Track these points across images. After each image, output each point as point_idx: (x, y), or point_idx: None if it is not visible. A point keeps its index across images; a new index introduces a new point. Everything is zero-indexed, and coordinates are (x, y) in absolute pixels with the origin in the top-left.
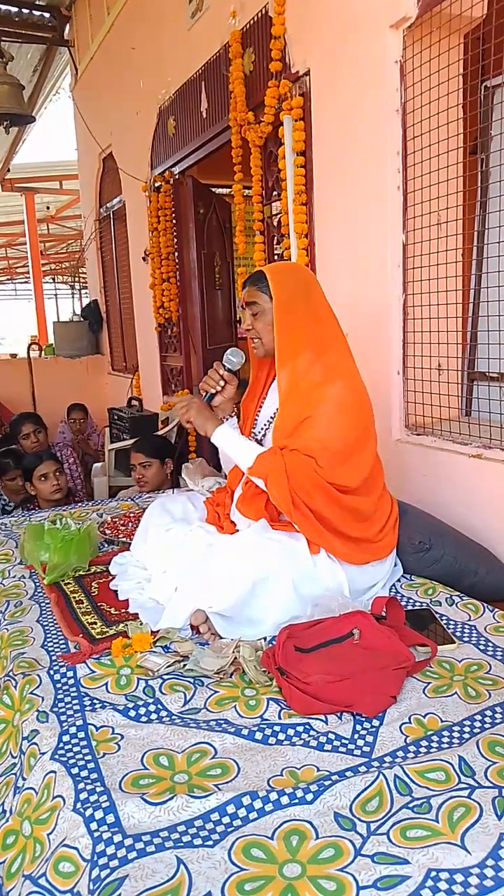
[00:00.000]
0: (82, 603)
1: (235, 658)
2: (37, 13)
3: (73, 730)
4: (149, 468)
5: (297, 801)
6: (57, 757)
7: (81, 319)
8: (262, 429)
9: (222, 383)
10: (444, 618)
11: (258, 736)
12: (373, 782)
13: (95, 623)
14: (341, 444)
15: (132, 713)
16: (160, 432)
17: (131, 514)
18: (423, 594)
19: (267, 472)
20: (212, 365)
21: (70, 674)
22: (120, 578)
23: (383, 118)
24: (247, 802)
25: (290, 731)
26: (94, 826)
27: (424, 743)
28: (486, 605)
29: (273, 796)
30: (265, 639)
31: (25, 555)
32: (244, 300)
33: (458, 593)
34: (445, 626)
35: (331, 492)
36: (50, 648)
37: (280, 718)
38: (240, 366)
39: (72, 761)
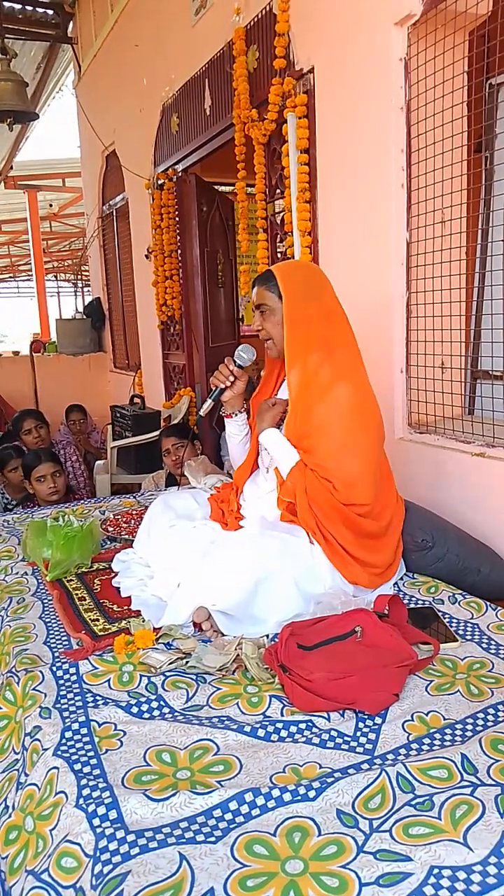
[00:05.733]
0: (85, 600)
1: (238, 655)
2: (40, 10)
3: (75, 726)
4: (182, 449)
5: (299, 797)
6: (59, 753)
7: (84, 317)
8: None
9: (232, 378)
10: (446, 616)
11: (260, 733)
12: (375, 779)
13: (98, 620)
14: (360, 461)
15: (135, 710)
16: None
17: (134, 512)
18: (426, 592)
19: (294, 492)
20: (214, 363)
21: (72, 670)
22: (122, 575)
23: (387, 116)
24: (249, 799)
25: (293, 728)
26: (96, 822)
27: (427, 740)
28: (488, 603)
29: (275, 793)
30: (268, 636)
31: (28, 551)
32: (254, 302)
33: (460, 591)
34: (448, 625)
35: (348, 516)
36: (52, 645)
37: (282, 715)
38: (250, 362)
39: (74, 757)
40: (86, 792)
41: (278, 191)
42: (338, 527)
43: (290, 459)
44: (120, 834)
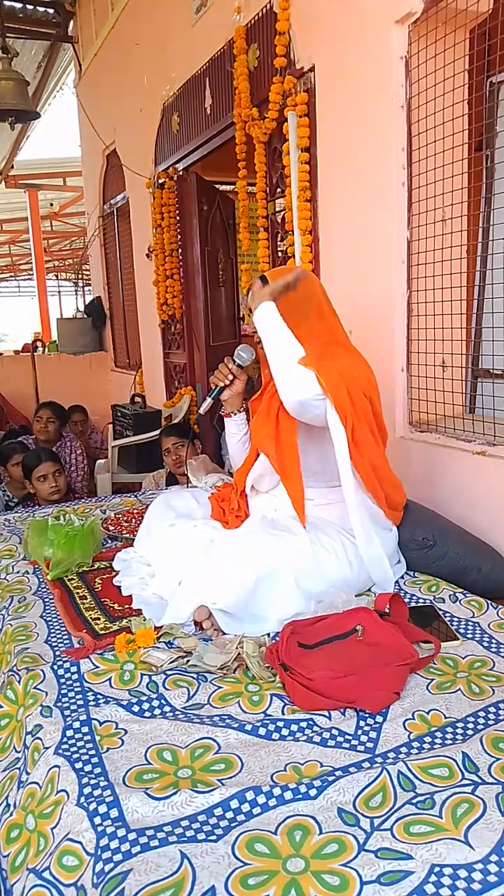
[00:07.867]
0: (86, 598)
1: (239, 654)
2: (41, 9)
3: (76, 725)
4: (182, 449)
5: (300, 796)
6: (61, 751)
7: (85, 316)
8: None
9: (231, 377)
10: (447, 614)
11: (261, 731)
12: (376, 778)
13: (99, 619)
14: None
15: (136, 708)
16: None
17: (135, 511)
18: (427, 591)
19: (319, 366)
20: (215, 362)
21: (74, 669)
22: (123, 574)
23: (388, 114)
24: (250, 797)
25: (294, 727)
26: (97, 820)
27: (428, 739)
28: (489, 601)
29: (276, 791)
30: (268, 635)
31: (29, 550)
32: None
33: (461, 590)
34: (449, 623)
35: (366, 407)
36: (53, 644)
37: (283, 714)
38: (249, 361)
39: (75, 756)
40: (87, 790)
41: (279, 189)
42: (360, 417)
43: (296, 346)
44: (121, 832)
